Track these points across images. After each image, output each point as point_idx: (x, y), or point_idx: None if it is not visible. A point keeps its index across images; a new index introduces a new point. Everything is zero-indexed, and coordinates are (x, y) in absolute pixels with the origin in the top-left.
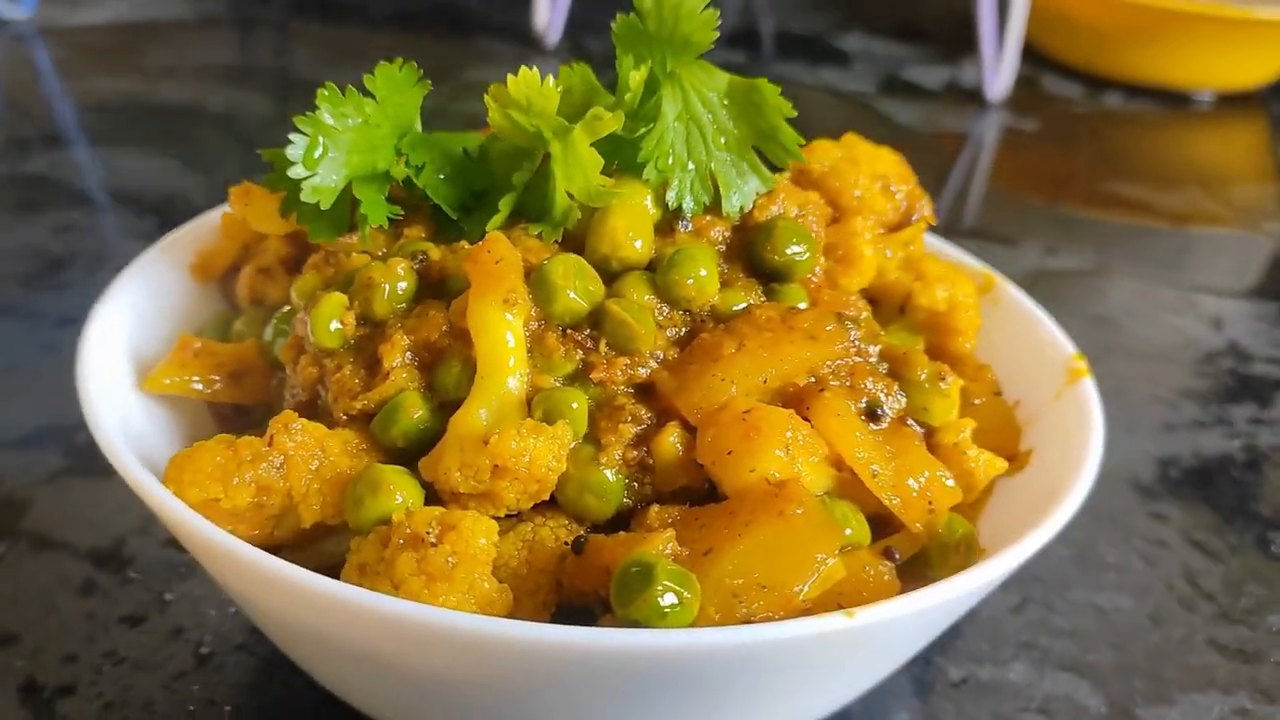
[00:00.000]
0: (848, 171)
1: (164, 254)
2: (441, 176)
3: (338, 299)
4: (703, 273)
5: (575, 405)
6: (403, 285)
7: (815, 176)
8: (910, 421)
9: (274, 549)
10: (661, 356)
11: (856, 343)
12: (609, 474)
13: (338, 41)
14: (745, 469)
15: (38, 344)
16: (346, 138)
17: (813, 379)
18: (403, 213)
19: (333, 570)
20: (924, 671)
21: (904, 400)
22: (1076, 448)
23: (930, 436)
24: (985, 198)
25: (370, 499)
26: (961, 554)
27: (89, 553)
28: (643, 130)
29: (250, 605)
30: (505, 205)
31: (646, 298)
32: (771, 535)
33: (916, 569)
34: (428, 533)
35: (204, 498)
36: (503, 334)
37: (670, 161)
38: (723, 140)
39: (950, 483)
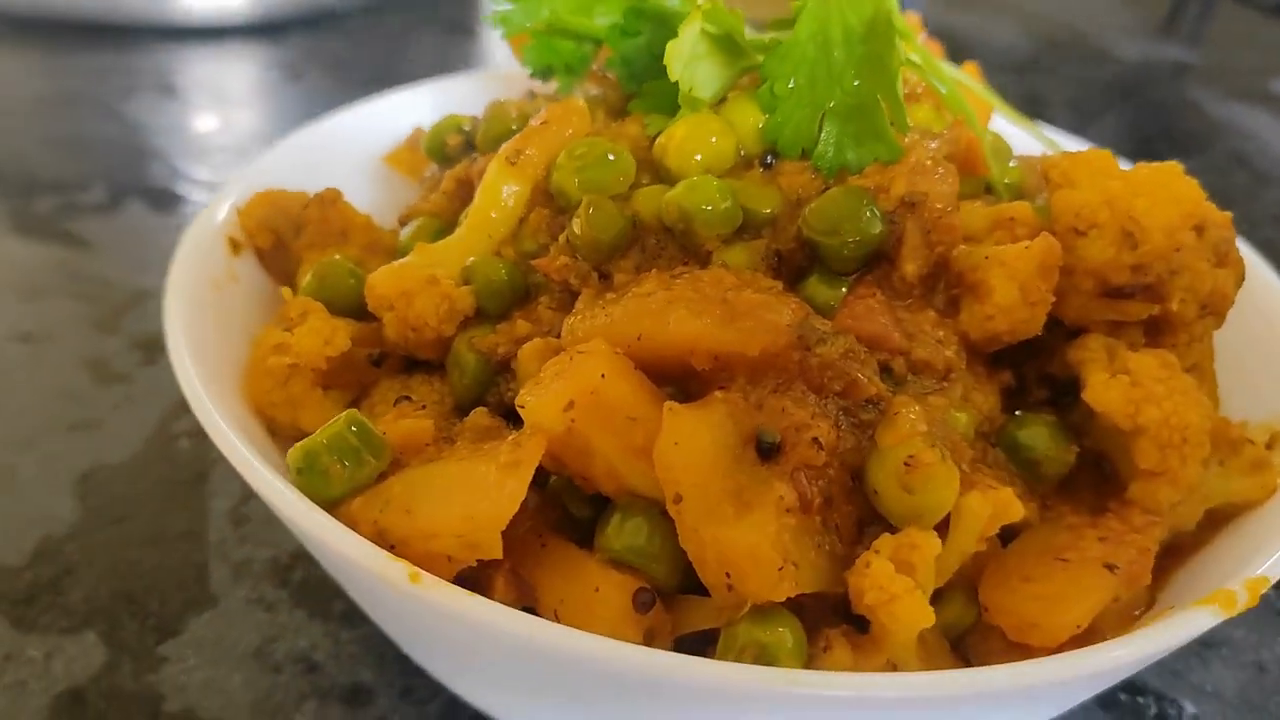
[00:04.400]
0: (1081, 193)
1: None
2: (657, 53)
3: (455, 120)
4: (706, 208)
5: (493, 279)
6: (514, 128)
7: (1051, 188)
8: (796, 478)
9: None
10: (606, 273)
11: (805, 357)
12: (475, 359)
13: None
14: (520, 401)
15: None
16: None
17: (724, 370)
18: (571, 67)
19: None
20: None
21: (820, 455)
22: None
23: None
24: None
25: (309, 277)
26: (747, 660)
27: None
28: (774, 42)
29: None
30: (651, 91)
31: (649, 215)
32: (467, 472)
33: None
34: (290, 318)
35: (245, 229)
36: (495, 190)
37: (790, 86)
38: (855, 84)
39: (770, 572)
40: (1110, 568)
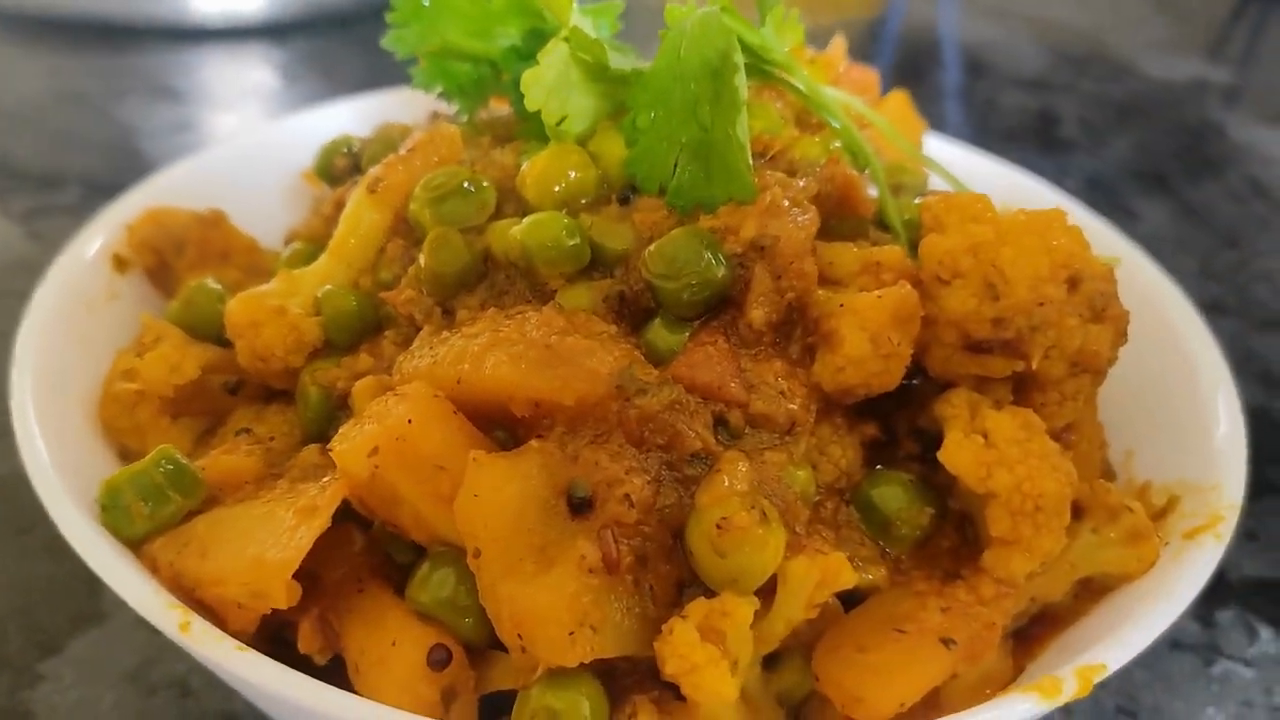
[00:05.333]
0: (947, 240)
1: None
2: None
3: (344, 139)
4: (549, 245)
5: (342, 311)
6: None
7: (923, 227)
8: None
9: None
10: (449, 309)
11: (625, 408)
12: (316, 392)
13: None
14: (333, 443)
15: None
16: (454, 5)
17: (546, 418)
18: (466, 90)
19: None
20: None
21: (632, 512)
22: None
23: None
24: None
25: (176, 301)
26: None
27: None
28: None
29: None
30: (536, 116)
31: (500, 251)
32: (267, 516)
33: None
34: (143, 342)
35: (131, 247)
36: (355, 217)
37: (652, 119)
38: (710, 119)
39: (560, 636)
40: (947, 642)
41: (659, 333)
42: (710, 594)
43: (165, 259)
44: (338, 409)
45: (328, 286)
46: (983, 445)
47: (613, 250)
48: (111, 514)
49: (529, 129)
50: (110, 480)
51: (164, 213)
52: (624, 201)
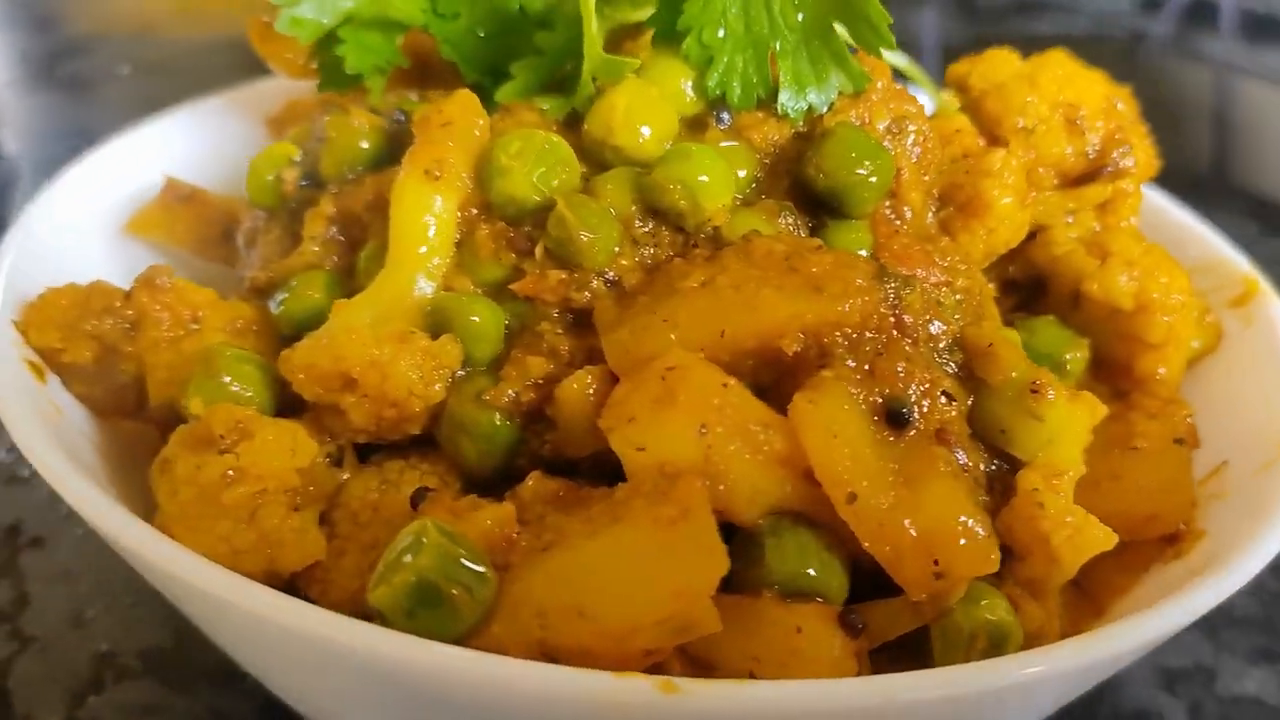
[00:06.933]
0: (1017, 93)
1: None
2: (482, 34)
3: (282, 150)
4: (702, 179)
5: (476, 319)
6: (364, 144)
7: (974, 95)
8: (953, 441)
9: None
10: (613, 279)
11: (895, 310)
12: (496, 417)
13: None
14: (635, 445)
15: None
16: None
17: (813, 348)
18: (406, 64)
19: None
20: None
21: (952, 407)
22: (1244, 540)
23: (1008, 473)
24: None
25: (197, 381)
26: (980, 650)
27: None
28: None
29: None
30: (521, 70)
31: (626, 203)
32: (629, 545)
33: (922, 657)
34: (222, 436)
35: (46, 345)
36: (419, 213)
37: (721, 35)
38: (799, 17)
39: (980, 542)
40: (1179, 441)
41: (841, 235)
42: (1014, 470)
43: (110, 344)
44: (524, 429)
45: (437, 296)
46: (1124, 263)
47: (744, 174)
48: (430, 616)
49: (517, 86)
50: (409, 579)
51: (80, 291)
52: (722, 123)
